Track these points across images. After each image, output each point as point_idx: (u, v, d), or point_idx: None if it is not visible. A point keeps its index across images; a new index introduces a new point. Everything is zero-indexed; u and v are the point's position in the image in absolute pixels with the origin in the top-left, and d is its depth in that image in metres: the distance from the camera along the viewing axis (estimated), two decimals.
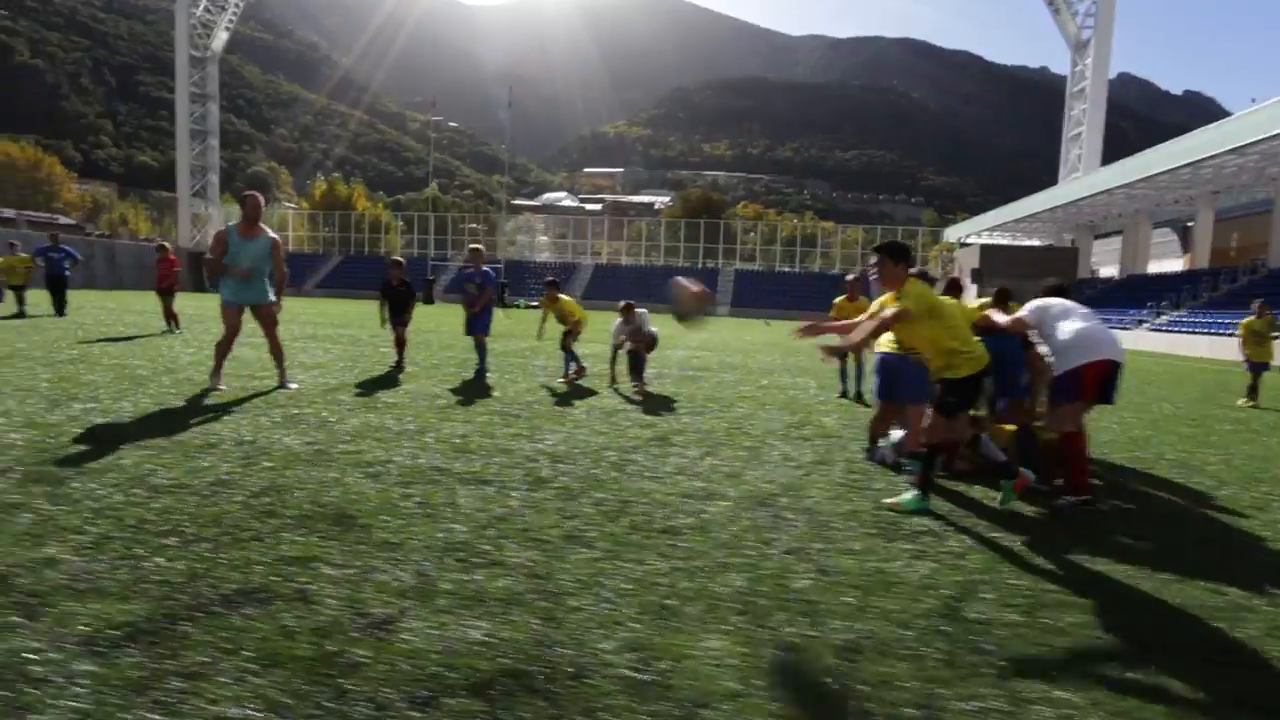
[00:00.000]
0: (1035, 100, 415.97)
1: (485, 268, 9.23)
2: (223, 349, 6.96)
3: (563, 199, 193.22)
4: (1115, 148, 48.80)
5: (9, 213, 59.51)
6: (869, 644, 2.42)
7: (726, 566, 3.07)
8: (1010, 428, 5.26)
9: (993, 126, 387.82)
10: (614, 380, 8.69)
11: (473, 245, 9.37)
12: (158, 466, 4.04)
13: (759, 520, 3.74)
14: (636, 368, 8.39)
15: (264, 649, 2.12)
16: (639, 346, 8.38)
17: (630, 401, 7.49)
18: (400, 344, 9.35)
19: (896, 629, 2.55)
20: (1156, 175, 32.13)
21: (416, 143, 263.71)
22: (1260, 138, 25.67)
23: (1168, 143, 31.43)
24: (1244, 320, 11.11)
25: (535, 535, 3.28)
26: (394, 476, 4.12)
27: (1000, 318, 5.12)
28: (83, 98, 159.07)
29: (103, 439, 4.61)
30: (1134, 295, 37.10)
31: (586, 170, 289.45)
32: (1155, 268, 44.11)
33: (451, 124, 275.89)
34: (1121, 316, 34.12)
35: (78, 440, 4.55)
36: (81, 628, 2.18)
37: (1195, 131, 30.20)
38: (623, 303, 8.55)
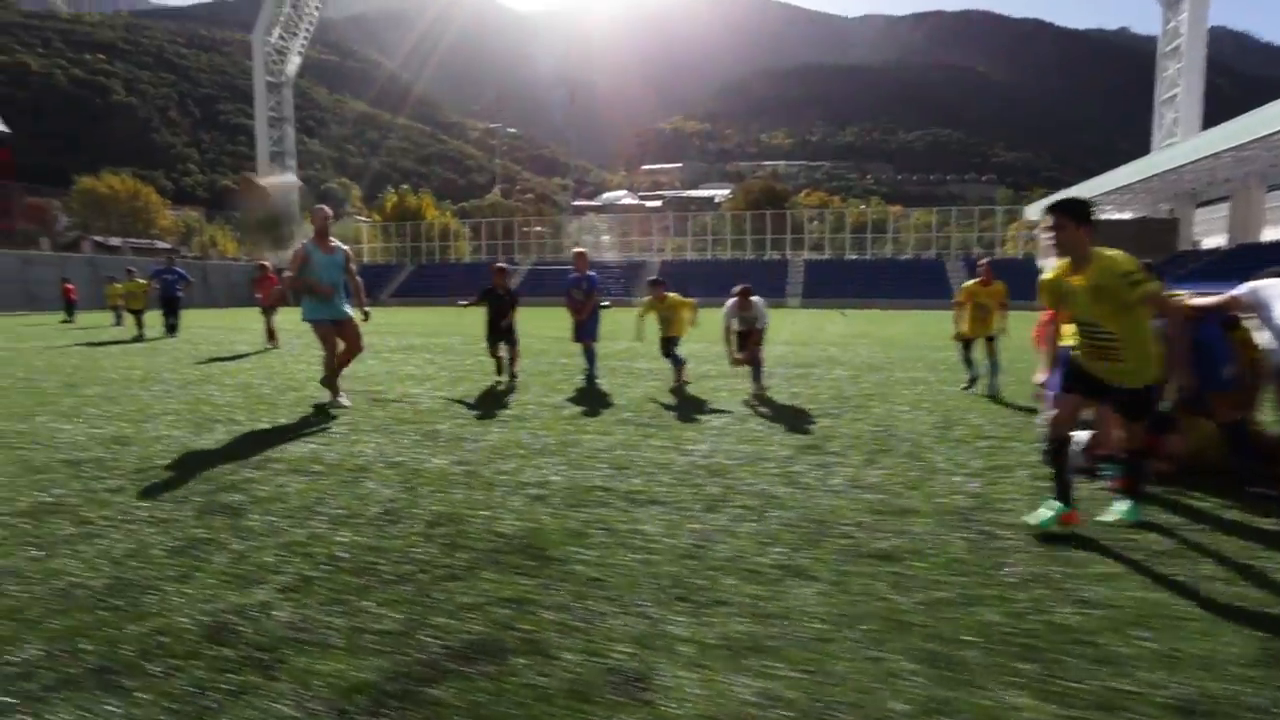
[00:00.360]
0: (1114, 66, 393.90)
1: (590, 272, 9.04)
2: (331, 365, 6.87)
3: (623, 197, 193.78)
4: (1211, 107, 45.38)
5: (115, 241, 63.50)
6: (1204, 707, 2.03)
7: (971, 598, 2.71)
8: (1210, 423, 4.69)
9: (1067, 96, 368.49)
10: (734, 361, 8.12)
11: (577, 249, 9.20)
12: (322, 494, 3.95)
13: (973, 540, 3.35)
14: (754, 370, 7.96)
15: (529, 716, 1.89)
16: (749, 350, 7.96)
17: (757, 405, 7.15)
18: (512, 357, 8.79)
19: (1233, 686, 2.14)
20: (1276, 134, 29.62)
21: (477, 150, 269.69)
22: None
23: None
24: None
25: (745, 566, 2.99)
26: (559, 498, 3.91)
27: (1203, 300, 4.57)
28: (171, 129, 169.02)
29: (258, 464, 4.58)
30: (1248, 266, 34.36)
31: (645, 167, 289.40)
32: (1270, 235, 40.80)
33: (510, 130, 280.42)
34: (1231, 288, 31.64)
35: (235, 465, 4.53)
36: (324, 690, 2.01)
37: None
38: (739, 286, 8.11)
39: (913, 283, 52.01)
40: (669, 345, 8.64)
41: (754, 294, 8.04)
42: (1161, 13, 48.36)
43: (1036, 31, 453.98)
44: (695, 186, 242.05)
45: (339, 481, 4.21)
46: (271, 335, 13.54)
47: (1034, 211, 57.45)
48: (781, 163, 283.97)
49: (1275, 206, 42.38)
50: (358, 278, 6.96)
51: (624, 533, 3.37)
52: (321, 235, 6.68)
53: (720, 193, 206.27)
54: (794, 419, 6.36)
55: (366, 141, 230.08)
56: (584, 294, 8.89)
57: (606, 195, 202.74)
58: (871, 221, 73.12)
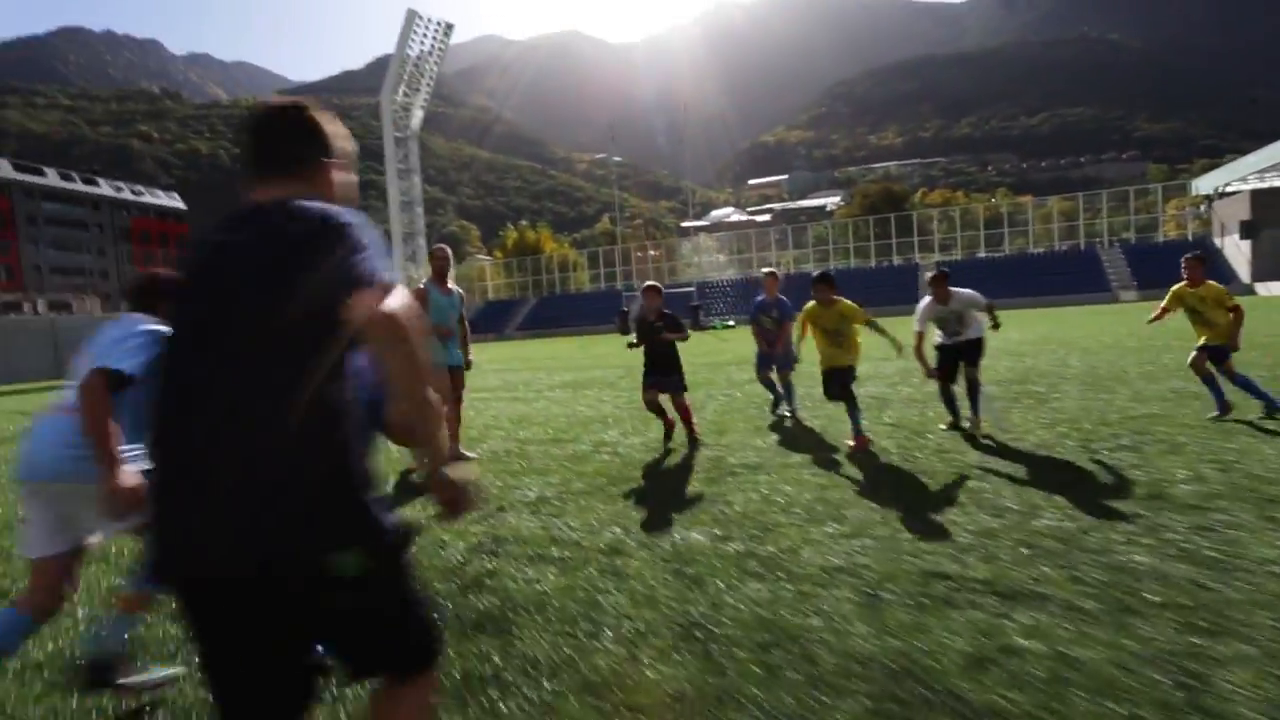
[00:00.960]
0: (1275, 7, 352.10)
1: (781, 296, 8.08)
2: (447, 416, 6.21)
3: (730, 214, 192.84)
4: None
5: None
6: None
7: None
8: None
9: (1223, 53, 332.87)
10: (928, 373, 6.45)
11: (767, 270, 8.12)
12: (590, 592, 3.22)
13: None
14: (972, 396, 6.31)
15: None
16: (962, 356, 6.38)
17: (987, 444, 5.90)
18: (684, 417, 6.51)
19: None
20: None
21: (585, 182, 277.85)
22: None
23: None
24: None
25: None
26: (899, 595, 2.97)
27: None
28: None
29: (489, 547, 3.96)
30: None
31: (750, 182, 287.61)
32: None
33: (616, 159, 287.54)
34: None
35: (463, 550, 3.93)
36: None
37: None
38: (932, 272, 6.46)
39: (1061, 277, 47.46)
40: (838, 380, 6.09)
41: (951, 282, 6.27)
42: None
43: None
44: (804, 196, 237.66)
45: (601, 570, 3.48)
46: None
47: (1205, 185, 51.33)
48: (893, 164, 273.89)
49: None
50: (466, 324, 6.57)
51: (1037, 655, 2.39)
52: (441, 276, 6.29)
53: (831, 200, 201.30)
54: (1073, 464, 5.11)
55: (482, 184, 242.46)
56: (775, 322, 7.90)
57: (714, 214, 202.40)
58: (1004, 215, 67.91)
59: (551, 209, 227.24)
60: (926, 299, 6.46)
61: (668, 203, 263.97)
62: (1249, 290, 38.21)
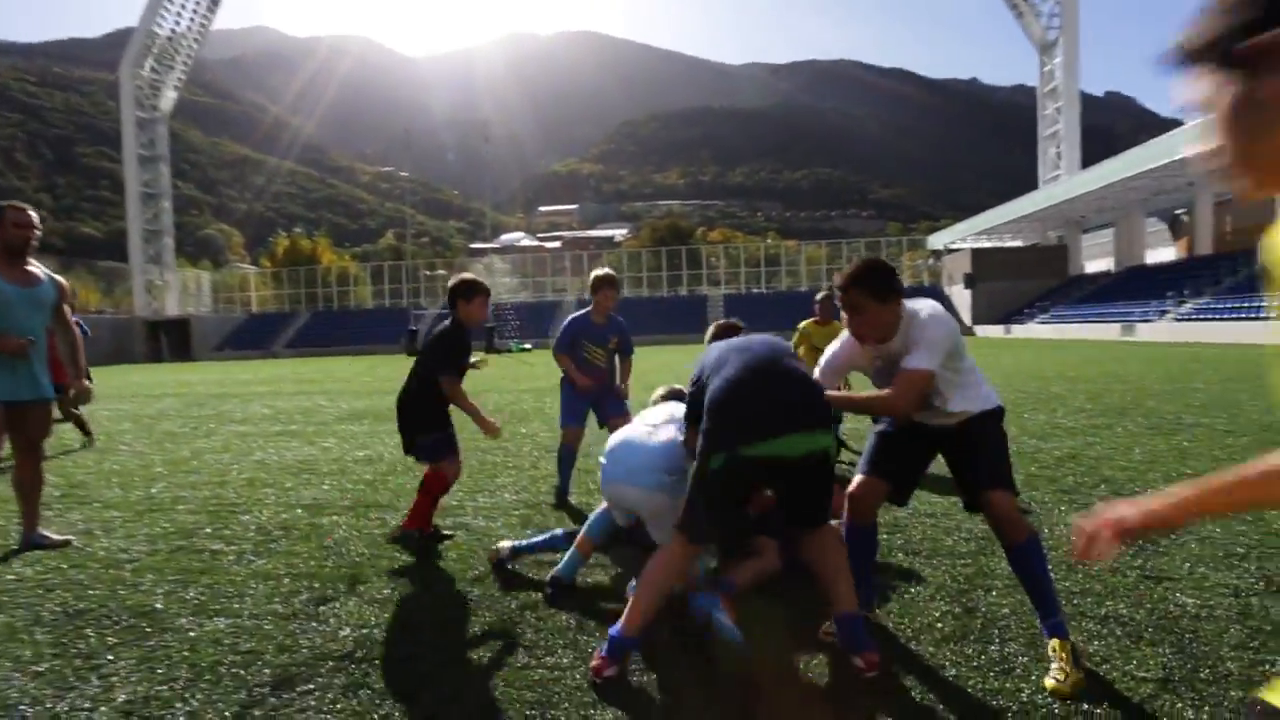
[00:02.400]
0: (968, 111, 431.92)
1: (617, 316, 5.24)
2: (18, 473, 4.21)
3: (521, 239, 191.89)
4: (1089, 152, 49.48)
5: None
6: None
7: None
8: None
9: (932, 138, 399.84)
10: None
11: (602, 273, 5.08)
12: None
13: None
14: (1032, 581, 5.27)
15: None
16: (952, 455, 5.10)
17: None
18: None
19: None
20: (1164, 165, 31.77)
21: (369, 195, 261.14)
22: None
23: (1175, 131, 31.20)
24: None
25: None
26: None
27: None
28: (18, 173, 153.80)
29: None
30: (1141, 287, 36.62)
31: (541, 209, 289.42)
32: (1152, 258, 43.96)
33: (403, 174, 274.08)
34: (1135, 309, 33.48)
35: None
36: None
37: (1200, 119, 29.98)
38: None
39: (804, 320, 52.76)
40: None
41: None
42: (1038, 58, 52.25)
43: (902, 80, 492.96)
44: (593, 226, 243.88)
45: None
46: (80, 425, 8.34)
47: (936, 242, 60.19)
48: (675, 202, 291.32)
49: (1154, 231, 45.85)
50: (75, 328, 4.29)
51: None
52: (15, 252, 3.92)
53: (619, 232, 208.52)
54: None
55: (248, 187, 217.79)
56: (609, 354, 5.20)
57: (504, 237, 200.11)
58: (768, 256, 74.42)
59: (331, 220, 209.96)
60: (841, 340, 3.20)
61: (457, 222, 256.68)
62: (969, 331, 45.00)
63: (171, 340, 54.50)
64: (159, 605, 3.09)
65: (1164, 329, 29.77)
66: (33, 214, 3.99)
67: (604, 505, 3.15)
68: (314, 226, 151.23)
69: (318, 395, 14.25)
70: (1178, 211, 44.97)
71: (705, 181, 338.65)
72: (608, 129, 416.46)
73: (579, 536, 3.18)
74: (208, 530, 4.30)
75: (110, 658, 2.58)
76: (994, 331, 44.15)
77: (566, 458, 4.98)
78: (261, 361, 42.86)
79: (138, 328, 55.19)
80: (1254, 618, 2.65)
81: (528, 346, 46.53)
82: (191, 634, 2.78)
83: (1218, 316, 28.19)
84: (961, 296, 49.57)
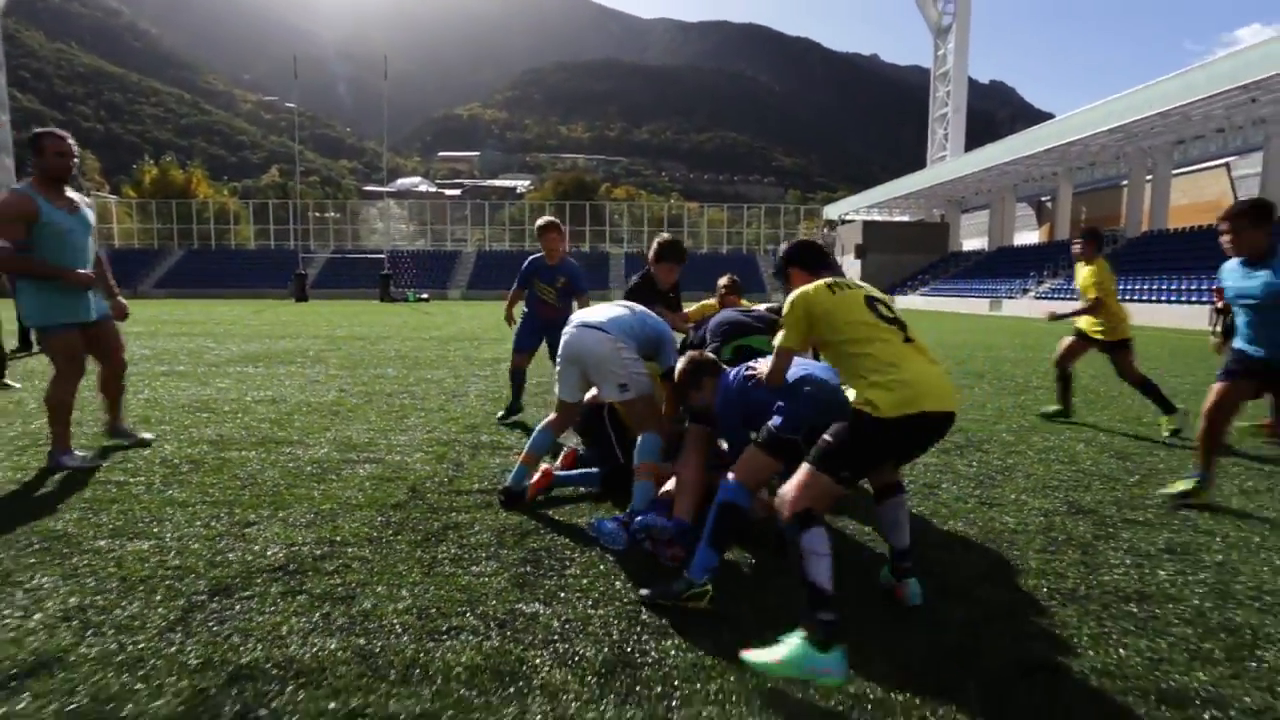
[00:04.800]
0: (868, 87, 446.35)
1: (569, 258, 5.76)
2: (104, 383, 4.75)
3: (418, 184, 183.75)
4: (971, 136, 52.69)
5: None
6: None
7: None
8: None
9: (832, 110, 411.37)
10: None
11: (546, 221, 5.65)
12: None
13: None
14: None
15: None
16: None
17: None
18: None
19: None
20: (1036, 153, 34.46)
21: (250, 125, 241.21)
22: (1128, 120, 28.06)
23: (1046, 123, 33.82)
24: None
25: None
26: None
27: None
28: None
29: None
30: (1008, 266, 39.85)
31: (441, 154, 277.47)
32: (1020, 239, 47.72)
33: (289, 105, 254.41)
34: (1002, 286, 36.50)
35: None
36: None
37: (1066, 115, 32.68)
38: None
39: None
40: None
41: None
42: (933, 41, 54.74)
43: (809, 50, 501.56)
44: (495, 175, 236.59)
45: None
46: None
47: (832, 212, 62.65)
48: (581, 156, 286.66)
49: (1022, 215, 49.70)
50: (103, 257, 4.47)
51: None
52: (57, 181, 4.08)
53: (521, 183, 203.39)
54: None
55: (106, 105, 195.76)
56: (559, 294, 5.68)
57: (401, 181, 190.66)
58: (670, 217, 75.19)
59: (206, 150, 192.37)
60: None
61: (349, 162, 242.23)
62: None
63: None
64: (72, 529, 3.11)
65: (1025, 305, 32.64)
66: (71, 140, 4.13)
67: (544, 421, 3.66)
68: (186, 156, 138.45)
69: (202, 338, 13.49)
70: (1043, 198, 48.97)
71: (611, 137, 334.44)
72: (512, 75, 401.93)
73: (525, 451, 3.59)
74: (106, 463, 4.23)
75: (31, 575, 2.63)
76: None
77: (516, 377, 5.79)
78: (129, 300, 39.48)
79: None
80: (1055, 530, 3.29)
81: (425, 296, 45.19)
82: (114, 554, 2.84)
83: (1072, 296, 31.23)
84: (852, 266, 52.12)
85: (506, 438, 5.08)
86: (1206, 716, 1.87)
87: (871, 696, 1.94)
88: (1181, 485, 3.74)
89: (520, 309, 5.92)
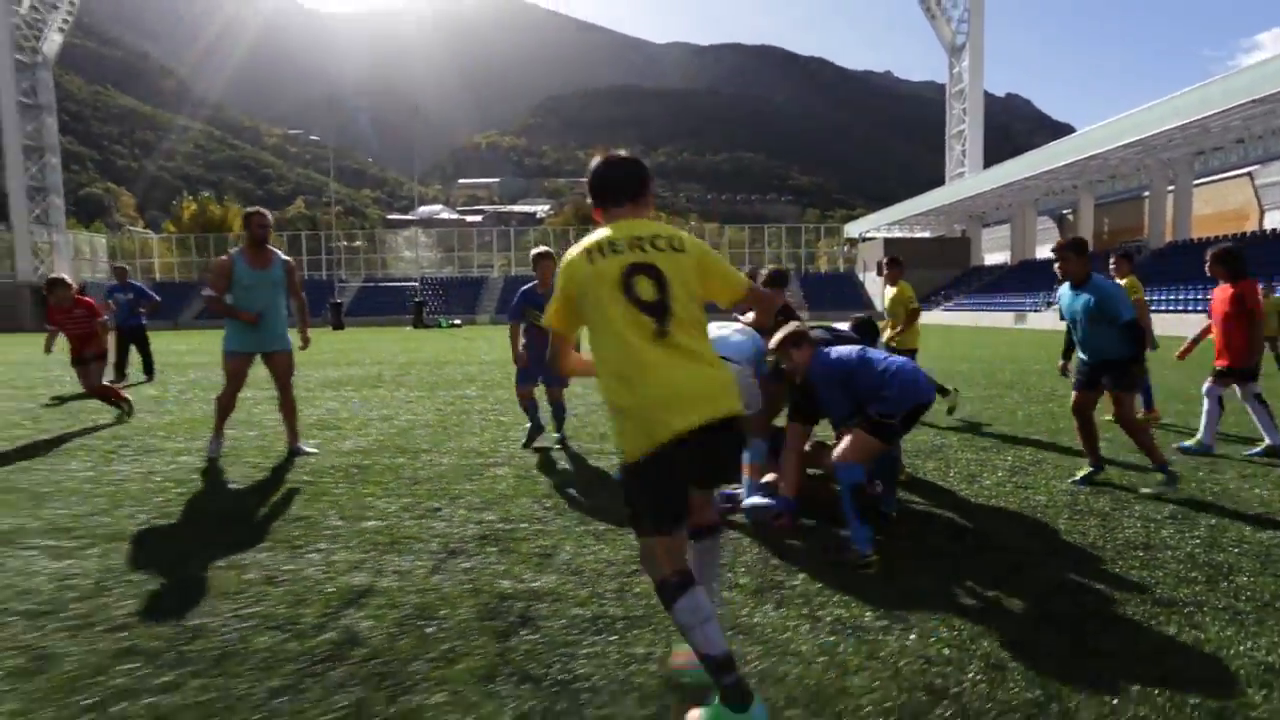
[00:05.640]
0: (882, 103, 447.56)
1: None
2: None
3: (440, 212, 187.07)
4: (989, 151, 53.24)
5: None
6: None
7: None
8: None
9: (847, 128, 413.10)
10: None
11: (541, 251, 5.94)
12: None
13: None
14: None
15: None
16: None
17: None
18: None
19: None
20: (1055, 168, 35.07)
21: (275, 158, 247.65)
22: (1147, 135, 28.66)
23: (1065, 138, 34.47)
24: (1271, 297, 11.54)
25: None
26: None
27: None
28: None
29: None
30: (1031, 279, 40.21)
31: (461, 181, 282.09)
32: (1042, 253, 48.08)
33: (313, 137, 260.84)
34: (1027, 299, 36.90)
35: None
36: None
37: (1085, 130, 33.31)
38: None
39: None
40: None
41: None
42: (948, 59, 55.58)
43: (821, 69, 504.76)
44: (514, 201, 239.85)
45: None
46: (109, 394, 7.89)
47: (853, 230, 63.30)
48: None
49: (1044, 229, 50.09)
50: (302, 295, 5.93)
51: None
52: (260, 242, 5.55)
53: (541, 208, 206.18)
54: None
55: (138, 143, 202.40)
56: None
57: (422, 209, 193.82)
58: (700, 238, 75.85)
59: (234, 184, 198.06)
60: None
61: (371, 192, 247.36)
62: (881, 316, 47.88)
63: None
64: (307, 513, 4.02)
65: (1050, 318, 33.02)
66: (268, 214, 5.65)
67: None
68: (216, 190, 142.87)
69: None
70: (1064, 211, 49.37)
71: None
72: (531, 103, 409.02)
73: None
74: (290, 469, 5.15)
75: (306, 545, 3.53)
76: None
77: (529, 407, 5.96)
78: (174, 333, 41.13)
79: (24, 294, 51.46)
80: (1080, 505, 4.10)
81: (457, 322, 46.54)
82: (354, 527, 3.74)
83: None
84: (875, 283, 52.72)
85: (607, 445, 5.93)
86: (1188, 611, 2.67)
87: (931, 623, 2.76)
88: (1082, 473, 4.65)
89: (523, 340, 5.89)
